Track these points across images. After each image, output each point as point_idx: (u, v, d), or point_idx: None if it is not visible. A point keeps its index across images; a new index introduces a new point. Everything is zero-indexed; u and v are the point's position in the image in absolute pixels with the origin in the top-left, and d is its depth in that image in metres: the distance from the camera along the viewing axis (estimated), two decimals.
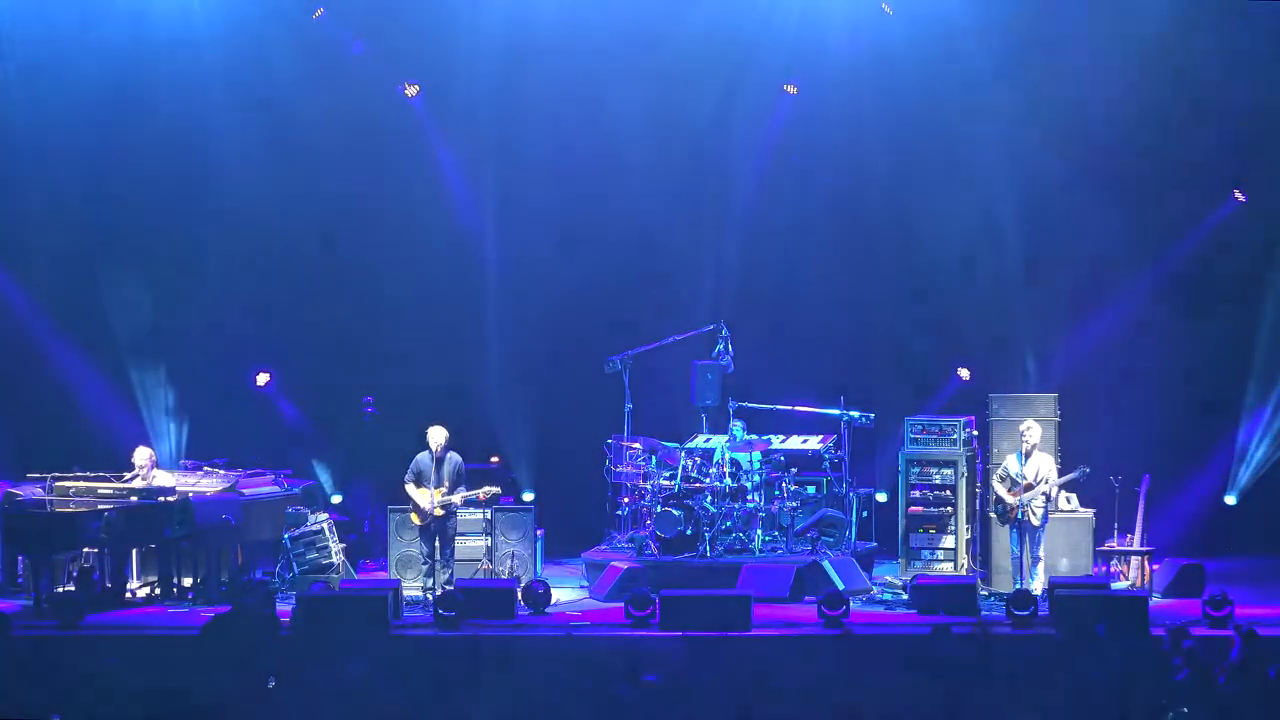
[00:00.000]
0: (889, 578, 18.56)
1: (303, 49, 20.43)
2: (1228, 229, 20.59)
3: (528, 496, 20.41)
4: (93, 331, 20.68)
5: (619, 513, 19.24)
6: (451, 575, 17.42)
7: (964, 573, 18.12)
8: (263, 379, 20.71)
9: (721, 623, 15.48)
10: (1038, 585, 16.99)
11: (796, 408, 19.47)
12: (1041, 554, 17.42)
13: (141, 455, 18.23)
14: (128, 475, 18.06)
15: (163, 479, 18.17)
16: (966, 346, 20.73)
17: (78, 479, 17.71)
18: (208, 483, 18.47)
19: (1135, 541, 18.11)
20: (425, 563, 17.55)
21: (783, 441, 19.39)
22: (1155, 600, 17.05)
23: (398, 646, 14.98)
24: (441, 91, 20.91)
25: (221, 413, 20.71)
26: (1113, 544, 18.24)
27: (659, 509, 18.40)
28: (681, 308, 20.71)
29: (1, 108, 20.36)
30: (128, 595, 17.60)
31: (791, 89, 20.93)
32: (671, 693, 11.47)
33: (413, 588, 17.58)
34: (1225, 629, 14.95)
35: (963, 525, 18.40)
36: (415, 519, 17.49)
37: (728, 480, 18.59)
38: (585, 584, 18.49)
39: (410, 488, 17.40)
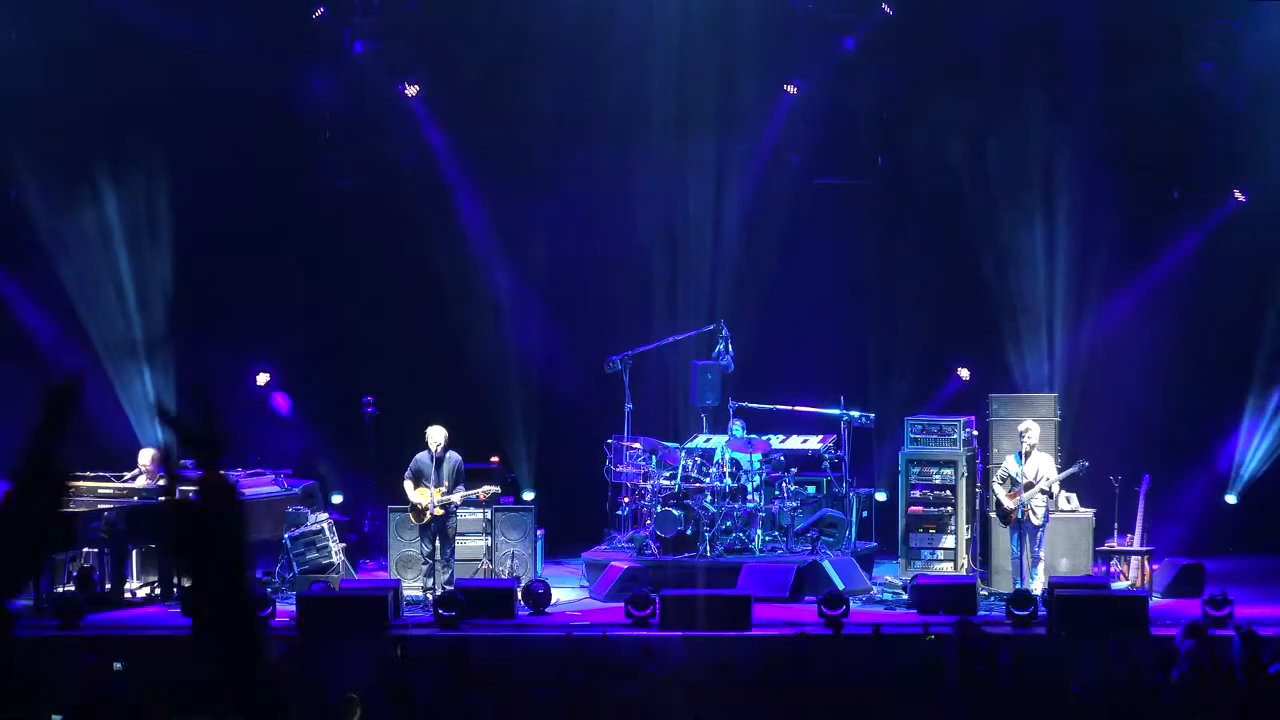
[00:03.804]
0: (889, 578, 18.56)
1: (301, 46, 20.45)
2: (1228, 229, 20.59)
3: (528, 496, 20.41)
4: (92, 331, 20.68)
5: (619, 513, 19.23)
6: (451, 575, 17.41)
7: (964, 573, 18.12)
8: (263, 379, 20.71)
9: (721, 622, 15.48)
10: (1038, 585, 16.98)
11: (796, 408, 19.46)
12: (1041, 554, 17.41)
13: (145, 456, 18.24)
14: (128, 475, 18.06)
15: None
16: (966, 346, 20.72)
17: (78, 479, 17.70)
18: None
19: (1135, 541, 18.09)
20: (425, 563, 17.54)
21: (783, 441, 19.38)
22: (1155, 600, 17.04)
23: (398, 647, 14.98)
24: (442, 90, 20.92)
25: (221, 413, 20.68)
26: (1113, 544, 18.22)
27: (659, 509, 18.40)
28: (681, 308, 20.71)
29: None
30: (128, 595, 17.61)
31: (791, 89, 20.94)
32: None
33: (413, 588, 17.57)
34: (1225, 629, 14.94)
35: (963, 525, 18.40)
36: (414, 518, 17.49)
37: (728, 480, 18.59)
38: (585, 584, 18.49)
39: (409, 486, 17.40)
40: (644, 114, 20.70)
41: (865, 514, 19.52)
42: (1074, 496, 18.28)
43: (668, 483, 18.61)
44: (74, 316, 20.63)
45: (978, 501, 18.54)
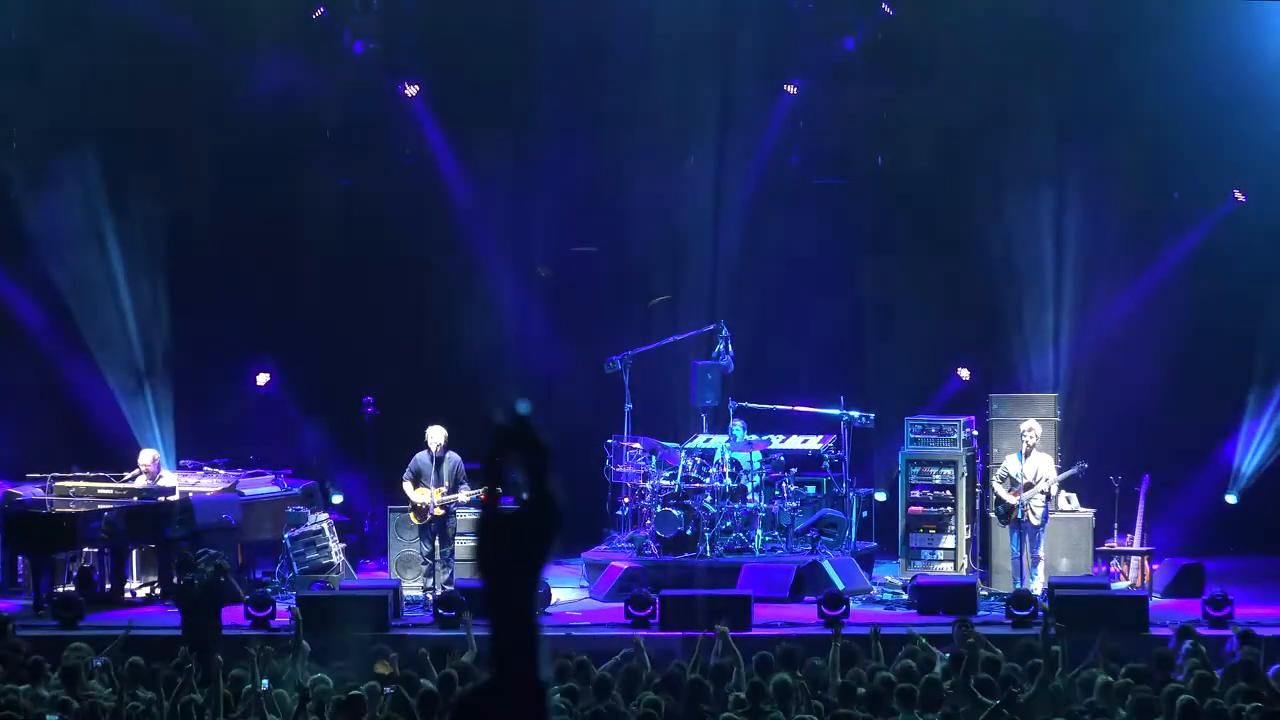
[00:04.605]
0: (889, 578, 18.55)
1: (301, 46, 20.45)
2: (1228, 229, 20.58)
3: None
4: (89, 330, 20.67)
5: (619, 513, 19.22)
6: (451, 575, 17.42)
7: (964, 573, 18.12)
8: (263, 379, 20.71)
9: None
10: (1038, 585, 16.98)
11: (796, 408, 19.46)
12: (1041, 554, 17.41)
13: (146, 457, 18.24)
14: (128, 475, 18.06)
15: (168, 479, 18.20)
16: (966, 346, 20.71)
17: (78, 479, 17.71)
18: (208, 483, 18.48)
19: (1135, 541, 18.10)
20: (425, 563, 17.54)
21: (783, 441, 19.36)
22: (1155, 600, 17.04)
23: (398, 647, 14.98)
24: (442, 90, 20.92)
25: (221, 413, 20.72)
26: (1113, 544, 18.23)
27: (659, 509, 18.39)
28: (681, 308, 20.70)
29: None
30: (128, 595, 17.61)
31: (791, 89, 20.93)
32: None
33: (413, 588, 17.57)
34: (1225, 629, 14.96)
35: (963, 525, 18.40)
36: (414, 518, 17.49)
37: (728, 480, 18.58)
38: (585, 584, 18.48)
39: (408, 487, 17.40)
40: (644, 114, 20.69)
41: (865, 514, 19.51)
42: (1074, 496, 18.28)
43: (668, 483, 18.61)
44: (71, 316, 20.61)
45: (978, 501, 18.53)
